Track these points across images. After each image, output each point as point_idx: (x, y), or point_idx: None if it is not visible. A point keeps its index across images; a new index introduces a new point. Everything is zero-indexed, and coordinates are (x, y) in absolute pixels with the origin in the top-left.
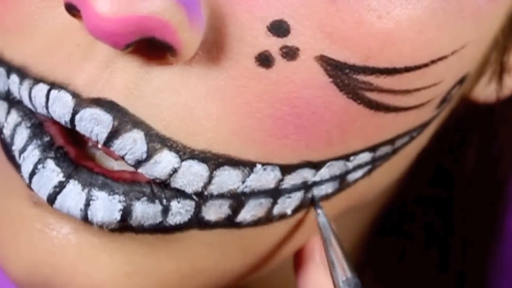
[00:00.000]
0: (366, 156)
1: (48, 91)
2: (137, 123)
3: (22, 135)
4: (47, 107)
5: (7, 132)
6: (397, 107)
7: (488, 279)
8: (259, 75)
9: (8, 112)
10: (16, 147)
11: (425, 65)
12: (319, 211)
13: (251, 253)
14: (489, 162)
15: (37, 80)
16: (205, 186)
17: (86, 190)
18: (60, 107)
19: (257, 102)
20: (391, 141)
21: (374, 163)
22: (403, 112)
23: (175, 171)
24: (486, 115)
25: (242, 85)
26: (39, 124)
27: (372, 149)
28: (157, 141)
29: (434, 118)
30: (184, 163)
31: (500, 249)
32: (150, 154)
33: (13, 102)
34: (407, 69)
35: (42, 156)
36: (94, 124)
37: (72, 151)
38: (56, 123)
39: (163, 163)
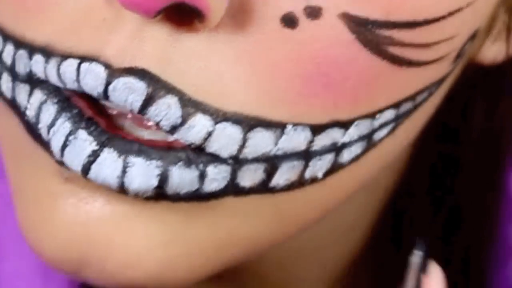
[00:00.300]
0: (390, 114)
1: (79, 65)
2: (170, 89)
3: (49, 111)
4: (78, 81)
5: (31, 112)
6: (418, 62)
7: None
8: (285, 36)
9: (31, 94)
10: (44, 124)
11: (443, 18)
12: (416, 254)
13: (285, 219)
14: (494, 127)
15: (65, 56)
16: (240, 149)
17: (122, 157)
18: (92, 79)
19: (284, 62)
20: (412, 97)
21: (397, 121)
22: (424, 67)
23: (209, 134)
24: (492, 76)
25: (269, 47)
26: (67, 99)
27: (396, 105)
28: (190, 105)
29: (450, 73)
30: (218, 125)
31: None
32: (184, 119)
33: (36, 82)
34: (427, 22)
35: (73, 128)
36: (128, 93)
37: (103, 122)
38: (83, 97)
39: (198, 126)
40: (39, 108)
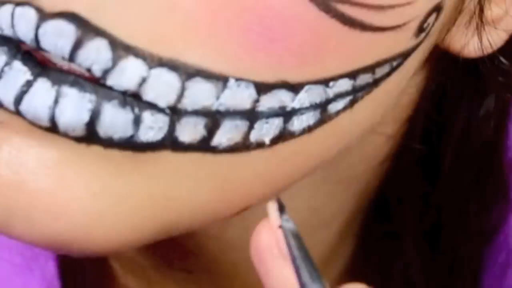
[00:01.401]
0: (346, 84)
1: (13, 9)
2: (100, 32)
3: None
4: (13, 25)
5: None
6: (373, 26)
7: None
8: None
9: None
10: None
11: None
12: (284, 220)
13: (227, 185)
14: (477, 123)
15: (3, 2)
16: (178, 99)
17: (55, 87)
18: (25, 23)
19: (224, 10)
20: (370, 68)
21: (355, 94)
22: (380, 33)
23: (144, 80)
24: (474, 72)
25: None
26: (4, 37)
27: (352, 75)
28: (121, 48)
29: (414, 49)
30: (152, 71)
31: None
32: (115, 62)
33: None
34: None
35: (8, 59)
36: (58, 37)
37: (40, 56)
38: None
39: (130, 70)
40: None
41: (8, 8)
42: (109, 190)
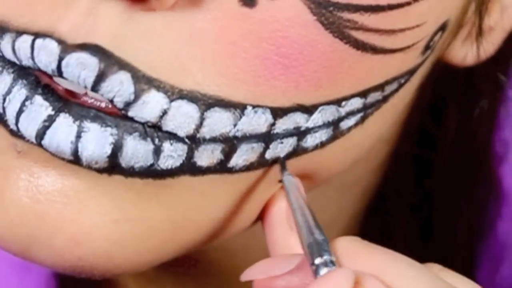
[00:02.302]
0: (357, 102)
1: (33, 41)
2: (123, 65)
3: (4, 81)
4: (32, 57)
5: None
6: (384, 49)
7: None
8: (243, 15)
9: None
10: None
11: (408, 4)
12: (285, 172)
13: (244, 200)
14: (470, 126)
15: (19, 32)
16: (197, 129)
17: (77, 122)
18: (46, 55)
19: (242, 41)
20: (380, 87)
21: (365, 111)
22: (390, 55)
23: (165, 112)
24: (466, 78)
25: (226, 25)
26: (23, 68)
27: (363, 94)
28: (144, 81)
29: (420, 66)
30: (173, 103)
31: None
32: (137, 95)
33: None
34: (390, 7)
35: (29, 93)
36: (80, 68)
37: (60, 89)
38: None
39: (152, 103)
40: None
41: (26, 39)
42: (130, 216)
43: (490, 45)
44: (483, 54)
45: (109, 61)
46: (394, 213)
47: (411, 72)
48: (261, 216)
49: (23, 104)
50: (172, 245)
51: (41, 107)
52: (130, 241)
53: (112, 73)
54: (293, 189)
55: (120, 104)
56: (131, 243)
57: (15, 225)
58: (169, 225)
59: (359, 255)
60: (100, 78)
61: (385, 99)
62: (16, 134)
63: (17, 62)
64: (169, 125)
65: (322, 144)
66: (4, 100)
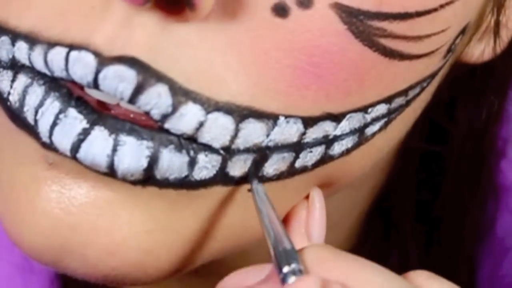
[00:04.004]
0: (382, 108)
1: (67, 53)
2: (161, 77)
3: (36, 93)
4: (67, 69)
5: (14, 98)
6: (410, 55)
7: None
8: (276, 25)
9: (14, 79)
10: (30, 106)
11: (435, 10)
12: (254, 181)
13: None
14: (480, 122)
15: (51, 44)
16: (232, 140)
17: (113, 136)
18: (82, 67)
19: (275, 52)
20: (404, 92)
21: (389, 116)
22: (416, 60)
23: (201, 124)
24: (478, 75)
25: (260, 35)
26: (54, 79)
27: (388, 100)
28: (181, 94)
29: (441, 69)
30: (209, 115)
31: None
32: (175, 107)
33: (19, 68)
34: (418, 14)
35: (62, 106)
36: (118, 81)
37: (93, 101)
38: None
39: (189, 115)
40: (24, 92)
41: (60, 50)
42: (163, 226)
43: (501, 42)
44: (498, 50)
45: (147, 74)
46: (400, 209)
47: (433, 76)
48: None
49: (57, 117)
50: (202, 253)
51: (75, 120)
52: (163, 251)
53: (150, 85)
54: (262, 198)
55: (157, 116)
56: (163, 253)
57: (47, 236)
58: (201, 235)
59: (327, 263)
60: (138, 90)
61: (407, 103)
62: (48, 146)
63: (49, 74)
64: (205, 137)
65: (348, 151)
66: (36, 112)
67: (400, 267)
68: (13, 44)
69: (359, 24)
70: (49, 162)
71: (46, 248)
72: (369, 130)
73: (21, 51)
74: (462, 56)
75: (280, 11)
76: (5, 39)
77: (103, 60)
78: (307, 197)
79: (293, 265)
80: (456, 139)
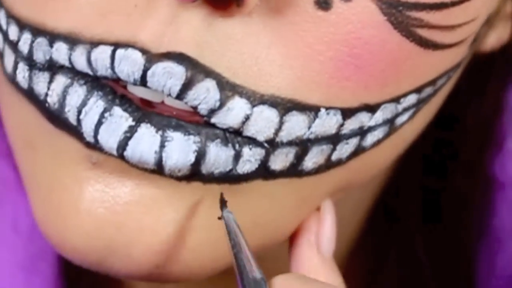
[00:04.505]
0: (413, 98)
1: (113, 52)
2: (209, 73)
3: (77, 93)
4: (112, 68)
5: (52, 99)
6: (443, 44)
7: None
8: (319, 18)
9: (51, 81)
10: (71, 107)
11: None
12: (225, 209)
13: (308, 202)
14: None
15: (94, 43)
16: (276, 133)
17: (160, 132)
18: (129, 65)
19: (318, 44)
20: (433, 82)
21: (418, 105)
22: (447, 50)
23: (247, 118)
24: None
25: (303, 29)
26: (95, 78)
27: (418, 90)
28: (228, 88)
29: (465, 58)
30: (255, 109)
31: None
32: (223, 102)
33: (56, 69)
34: (453, 3)
35: (107, 105)
36: (167, 77)
37: (136, 99)
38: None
39: (236, 110)
40: (64, 92)
41: (104, 49)
42: (206, 223)
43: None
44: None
45: (196, 69)
46: (405, 205)
47: (459, 65)
48: None
49: (102, 116)
50: None
51: (121, 118)
52: (206, 247)
53: (198, 81)
54: (232, 226)
55: (204, 111)
56: (207, 250)
57: (92, 237)
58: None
59: None
60: (186, 86)
61: (435, 92)
62: (92, 146)
63: (91, 73)
64: (250, 130)
65: (378, 142)
66: (80, 112)
67: (399, 262)
68: (51, 46)
69: (398, 15)
70: (92, 161)
71: (91, 249)
72: (399, 120)
73: (60, 52)
74: (481, 46)
75: (323, 4)
76: (42, 40)
77: (151, 57)
78: (318, 209)
79: None
80: (460, 130)
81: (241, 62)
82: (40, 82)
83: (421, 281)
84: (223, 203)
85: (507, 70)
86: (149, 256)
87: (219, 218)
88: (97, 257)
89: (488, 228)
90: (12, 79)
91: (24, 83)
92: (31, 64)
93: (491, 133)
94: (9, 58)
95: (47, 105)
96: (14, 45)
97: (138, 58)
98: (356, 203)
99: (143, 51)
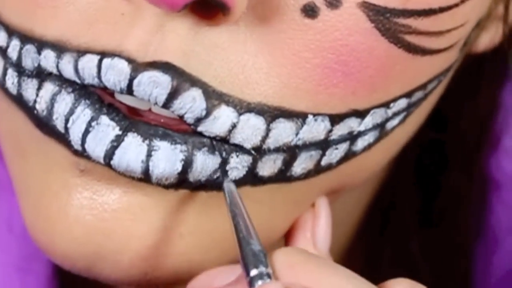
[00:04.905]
0: (403, 103)
1: (100, 61)
2: (195, 81)
3: (65, 100)
4: (99, 77)
5: (41, 106)
6: (432, 50)
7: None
8: (306, 26)
9: (39, 87)
10: (59, 114)
11: (456, 5)
12: (227, 179)
13: (297, 206)
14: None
15: (81, 52)
16: (263, 140)
17: (146, 141)
18: (115, 74)
19: (305, 52)
20: (424, 86)
21: (409, 109)
22: (436, 55)
23: (234, 126)
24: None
25: (290, 37)
26: (83, 86)
27: (409, 94)
28: (214, 97)
29: (456, 61)
30: (242, 117)
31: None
32: (209, 111)
33: (45, 76)
34: (441, 10)
35: (94, 114)
36: (153, 86)
37: (123, 107)
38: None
39: (222, 118)
40: (52, 100)
41: (91, 58)
42: (195, 229)
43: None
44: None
45: (181, 78)
46: (400, 204)
47: (449, 69)
48: None
49: (89, 125)
50: (230, 254)
51: (108, 127)
52: (195, 253)
53: (184, 90)
54: (233, 196)
55: (190, 120)
56: (195, 256)
57: (81, 243)
58: (230, 235)
59: (297, 266)
60: (172, 95)
61: (425, 96)
62: (80, 153)
63: (78, 81)
64: (237, 138)
65: (369, 146)
66: (67, 120)
67: (394, 263)
68: (39, 53)
69: (385, 22)
70: (80, 169)
71: (80, 255)
72: (390, 125)
73: (48, 59)
74: (472, 48)
75: (310, 12)
76: (30, 47)
77: (137, 66)
78: (313, 205)
79: (261, 269)
80: (454, 131)
81: (228, 71)
82: (29, 89)
83: (417, 281)
84: (224, 173)
85: (500, 70)
86: (137, 263)
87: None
88: (86, 263)
89: (484, 227)
90: (1, 85)
91: (13, 89)
92: (20, 70)
93: (486, 133)
94: None
95: (35, 112)
96: (3, 52)
97: (124, 68)
98: (351, 205)
99: (129, 60)
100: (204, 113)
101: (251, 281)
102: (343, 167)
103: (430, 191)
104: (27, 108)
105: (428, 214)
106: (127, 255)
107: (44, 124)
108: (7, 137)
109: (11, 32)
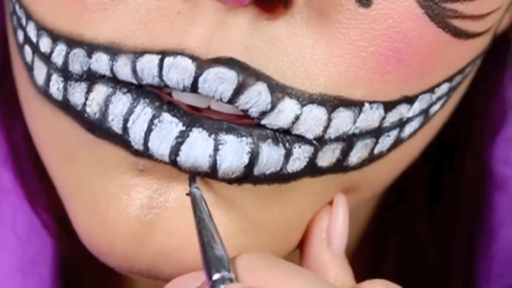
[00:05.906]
0: (445, 87)
1: (161, 60)
2: (259, 76)
3: (121, 101)
4: (160, 76)
5: (92, 109)
6: (474, 33)
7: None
8: (361, 15)
9: (89, 91)
10: (115, 115)
11: None
12: (194, 184)
13: (351, 198)
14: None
15: (138, 53)
16: (324, 130)
17: (213, 136)
18: (179, 72)
19: (360, 41)
20: (462, 70)
21: (449, 94)
22: (477, 38)
23: (297, 118)
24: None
25: (345, 27)
26: (139, 86)
27: (450, 79)
28: (278, 90)
29: (488, 44)
30: (305, 108)
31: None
32: (274, 104)
33: (95, 79)
34: None
35: (155, 112)
36: (219, 83)
37: (183, 104)
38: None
39: (287, 111)
40: (107, 101)
41: (150, 58)
42: (255, 224)
43: None
44: None
45: (247, 73)
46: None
47: (484, 52)
48: None
49: (151, 123)
50: (284, 247)
51: (171, 124)
52: (255, 248)
53: (250, 85)
54: (199, 202)
55: (255, 114)
56: (255, 250)
57: (142, 243)
58: (286, 228)
59: (259, 271)
60: (238, 91)
61: (463, 80)
62: (141, 153)
63: (135, 82)
64: (299, 128)
65: (415, 132)
66: (126, 120)
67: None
68: (89, 56)
69: (434, 7)
70: (139, 168)
71: (141, 256)
72: (432, 110)
73: (100, 62)
74: (497, 30)
75: (364, 1)
76: (79, 51)
77: (202, 63)
78: (330, 202)
79: (223, 273)
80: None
81: (288, 63)
82: (76, 93)
83: (425, 266)
84: (192, 179)
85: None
86: (200, 260)
87: (187, 194)
88: (148, 263)
89: (486, 213)
90: (44, 91)
91: (58, 95)
92: (67, 75)
93: (491, 121)
94: (40, 70)
95: (86, 115)
96: (46, 57)
97: (188, 65)
98: (364, 202)
99: (193, 58)
100: (269, 106)
101: (213, 285)
102: (392, 154)
103: (438, 181)
104: (75, 112)
105: (435, 202)
106: (190, 253)
107: (96, 127)
108: (52, 144)
109: (56, 37)
